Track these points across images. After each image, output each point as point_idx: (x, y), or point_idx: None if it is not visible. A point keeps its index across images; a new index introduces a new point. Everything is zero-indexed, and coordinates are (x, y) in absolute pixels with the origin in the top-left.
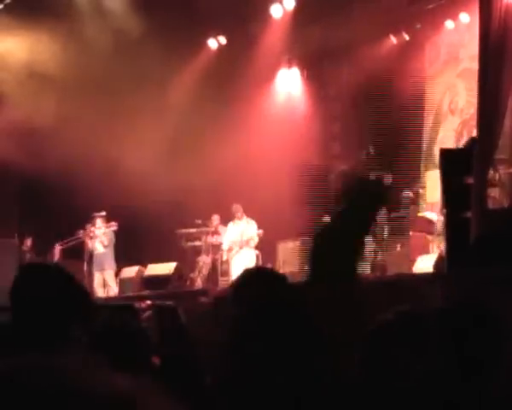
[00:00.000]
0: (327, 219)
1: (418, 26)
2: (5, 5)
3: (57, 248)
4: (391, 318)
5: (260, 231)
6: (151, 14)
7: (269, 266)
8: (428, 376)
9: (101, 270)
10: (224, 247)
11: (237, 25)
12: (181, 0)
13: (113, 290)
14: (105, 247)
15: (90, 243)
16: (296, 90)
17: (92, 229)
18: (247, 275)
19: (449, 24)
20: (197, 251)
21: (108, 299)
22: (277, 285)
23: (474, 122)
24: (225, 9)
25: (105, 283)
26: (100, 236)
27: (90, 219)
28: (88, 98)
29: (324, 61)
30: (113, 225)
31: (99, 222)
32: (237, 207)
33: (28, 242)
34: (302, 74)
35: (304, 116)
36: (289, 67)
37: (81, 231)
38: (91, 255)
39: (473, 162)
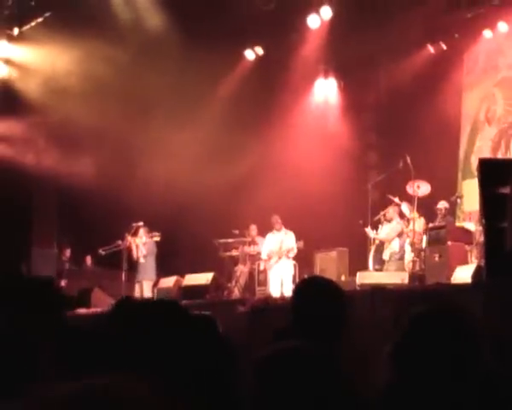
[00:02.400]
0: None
1: (456, 35)
2: (45, 18)
3: (88, 258)
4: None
5: (301, 242)
6: (187, 25)
7: (305, 276)
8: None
9: (140, 280)
10: (263, 256)
11: (274, 35)
12: (218, 11)
13: None
14: (144, 257)
15: (134, 252)
16: (332, 100)
17: (132, 239)
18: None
19: (487, 33)
20: (234, 261)
21: None
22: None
23: (511, 131)
24: (263, 20)
25: (141, 293)
26: (140, 245)
27: (129, 229)
28: (124, 110)
29: (360, 70)
30: (156, 236)
31: (141, 232)
32: (276, 218)
33: (67, 252)
34: (339, 84)
35: (340, 126)
36: (326, 77)
37: (120, 241)
38: (130, 265)
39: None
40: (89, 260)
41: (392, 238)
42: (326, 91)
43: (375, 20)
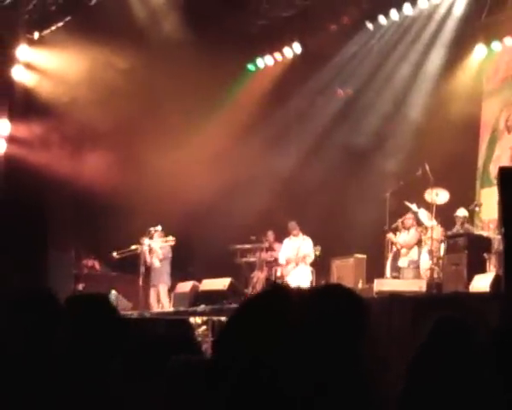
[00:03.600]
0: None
1: (475, 42)
2: (65, 23)
3: (95, 262)
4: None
5: (318, 248)
6: (201, 28)
7: (322, 282)
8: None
9: (155, 284)
10: (281, 262)
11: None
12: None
13: (165, 306)
14: (160, 261)
15: (147, 257)
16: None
17: (149, 243)
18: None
19: (507, 41)
20: (251, 267)
21: (164, 314)
22: None
23: None
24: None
25: (158, 297)
26: (156, 250)
27: (146, 234)
28: (140, 114)
29: None
30: (171, 240)
31: (156, 236)
32: (293, 225)
33: (91, 258)
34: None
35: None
36: None
37: (135, 246)
38: (147, 269)
39: None
40: (96, 263)
41: (412, 246)
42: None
43: None
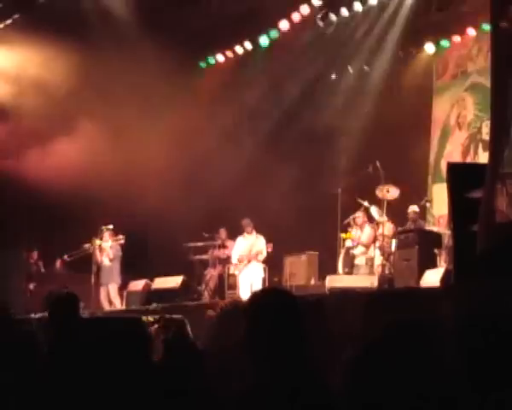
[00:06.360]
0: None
1: (426, 40)
2: (13, 20)
3: (59, 261)
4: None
5: (270, 245)
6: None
7: (275, 279)
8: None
9: (106, 283)
10: (234, 260)
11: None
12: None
13: (117, 305)
14: (110, 260)
15: (98, 256)
16: None
17: (99, 242)
18: None
19: (456, 38)
20: (204, 264)
21: (116, 312)
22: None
23: (480, 136)
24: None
25: (108, 297)
26: (106, 249)
27: (97, 233)
28: (95, 109)
29: None
30: (121, 239)
31: (106, 235)
32: (247, 222)
33: (35, 254)
34: None
35: None
36: None
37: (87, 245)
38: (98, 268)
39: (480, 176)
40: (59, 262)
41: (370, 244)
42: None
43: None
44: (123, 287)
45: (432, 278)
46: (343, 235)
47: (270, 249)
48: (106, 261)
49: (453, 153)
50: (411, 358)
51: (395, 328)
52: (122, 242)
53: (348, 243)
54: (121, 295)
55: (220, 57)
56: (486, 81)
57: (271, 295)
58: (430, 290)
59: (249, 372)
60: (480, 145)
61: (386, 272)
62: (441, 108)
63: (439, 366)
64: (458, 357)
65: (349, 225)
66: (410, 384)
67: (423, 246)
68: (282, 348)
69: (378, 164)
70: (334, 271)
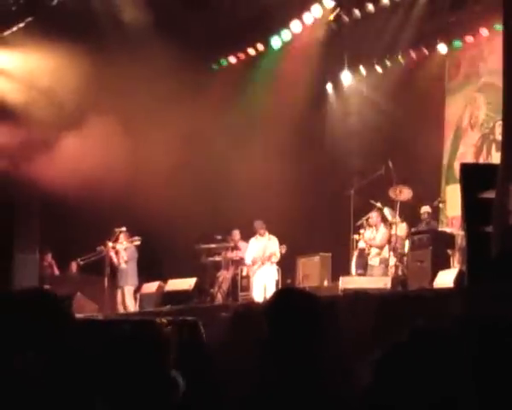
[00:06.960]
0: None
1: (438, 40)
2: (26, 23)
3: (73, 264)
4: (404, 339)
5: (283, 247)
6: (166, 21)
7: (288, 281)
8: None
9: (121, 286)
10: (247, 262)
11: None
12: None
13: (130, 307)
14: (125, 262)
15: (114, 258)
16: None
17: (113, 244)
18: None
19: (468, 39)
20: (217, 266)
21: (129, 315)
22: None
23: (493, 136)
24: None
25: (123, 298)
26: (121, 251)
27: (111, 235)
28: (106, 114)
29: None
30: (136, 240)
31: (121, 237)
32: (260, 224)
33: (48, 257)
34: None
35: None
36: None
37: (101, 247)
38: (112, 271)
39: (493, 177)
40: (74, 266)
41: (384, 245)
42: None
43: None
44: (137, 289)
45: (445, 279)
46: (356, 236)
47: (283, 251)
48: (121, 264)
49: (466, 154)
50: (437, 362)
51: (422, 332)
52: (138, 243)
53: (361, 245)
54: (136, 298)
55: (232, 59)
56: (499, 81)
57: (294, 296)
58: (443, 291)
59: (271, 372)
60: (494, 145)
61: (400, 273)
62: (454, 109)
63: (461, 369)
64: (472, 360)
65: (362, 226)
66: (434, 386)
67: (437, 247)
68: (304, 348)
69: (391, 165)
70: (347, 272)
